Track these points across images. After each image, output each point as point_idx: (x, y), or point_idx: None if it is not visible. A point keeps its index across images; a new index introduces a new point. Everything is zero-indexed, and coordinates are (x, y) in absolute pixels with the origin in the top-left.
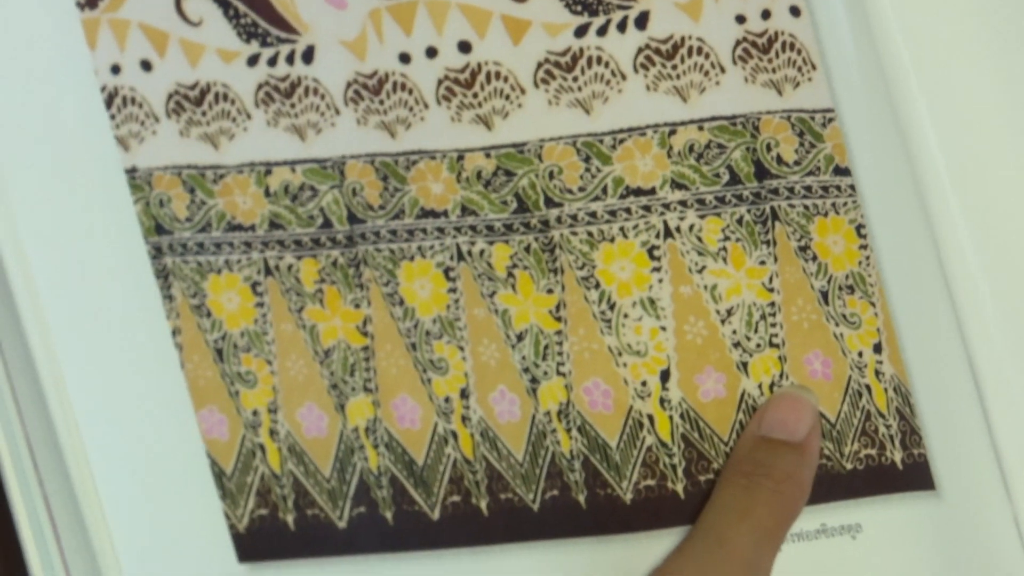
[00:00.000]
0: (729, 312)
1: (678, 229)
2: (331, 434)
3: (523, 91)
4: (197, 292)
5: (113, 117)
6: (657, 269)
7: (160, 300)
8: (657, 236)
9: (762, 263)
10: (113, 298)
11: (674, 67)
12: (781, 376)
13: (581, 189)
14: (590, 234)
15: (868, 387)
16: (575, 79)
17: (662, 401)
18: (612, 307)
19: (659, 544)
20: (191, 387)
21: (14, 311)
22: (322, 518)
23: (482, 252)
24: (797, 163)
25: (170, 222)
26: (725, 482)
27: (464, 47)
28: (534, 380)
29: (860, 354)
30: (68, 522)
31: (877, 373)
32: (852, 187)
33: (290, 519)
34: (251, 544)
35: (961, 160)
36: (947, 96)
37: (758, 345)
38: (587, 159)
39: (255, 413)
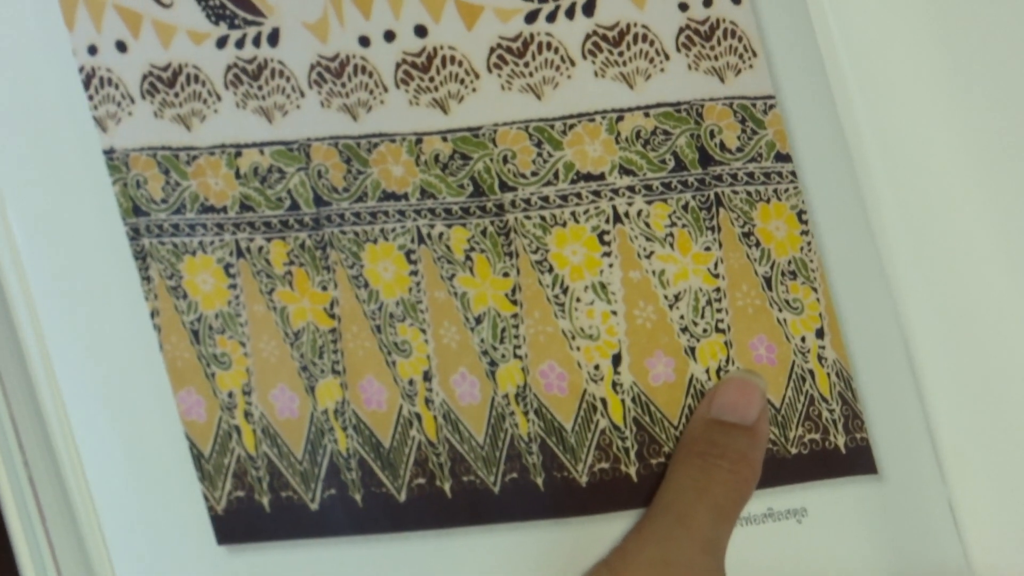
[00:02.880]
0: (677, 297)
1: (627, 214)
2: (302, 416)
3: (477, 75)
4: (174, 274)
5: (91, 98)
6: (607, 254)
7: (139, 281)
8: (607, 221)
9: (707, 249)
10: (94, 279)
11: (620, 53)
12: (728, 361)
13: (534, 174)
14: (543, 218)
15: (811, 372)
16: (526, 64)
17: (614, 385)
18: (565, 291)
19: (614, 526)
20: (169, 369)
21: (0, 292)
22: (295, 500)
23: (441, 235)
24: (740, 149)
25: (147, 203)
26: (680, 462)
27: (420, 31)
28: (493, 363)
29: (803, 339)
30: (54, 502)
31: (820, 358)
32: (793, 173)
33: (265, 501)
34: (229, 526)
35: (898, 147)
36: (885, 82)
37: (705, 330)
38: (539, 144)
39: (231, 395)
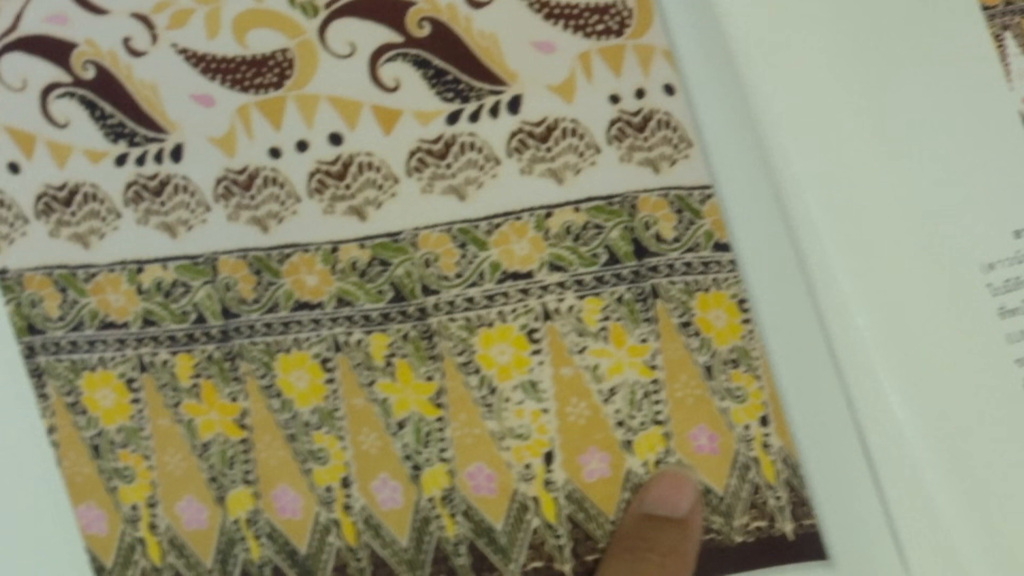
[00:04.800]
0: (612, 391)
1: (557, 311)
2: (211, 526)
3: (396, 180)
4: (72, 390)
5: None
6: (537, 352)
7: (34, 399)
8: (536, 319)
9: (644, 341)
10: None
11: (548, 149)
12: (666, 453)
13: (458, 275)
14: (468, 320)
15: (756, 460)
16: (448, 166)
17: (547, 483)
18: (493, 391)
19: None
20: (68, 483)
21: None
22: None
23: (359, 342)
24: (676, 240)
25: (42, 322)
26: (611, 558)
27: (335, 139)
28: (416, 467)
29: (747, 427)
30: None
31: (765, 445)
32: (732, 262)
33: None
34: None
35: (842, 229)
36: (826, 167)
37: (642, 423)
38: (463, 245)
39: (134, 508)
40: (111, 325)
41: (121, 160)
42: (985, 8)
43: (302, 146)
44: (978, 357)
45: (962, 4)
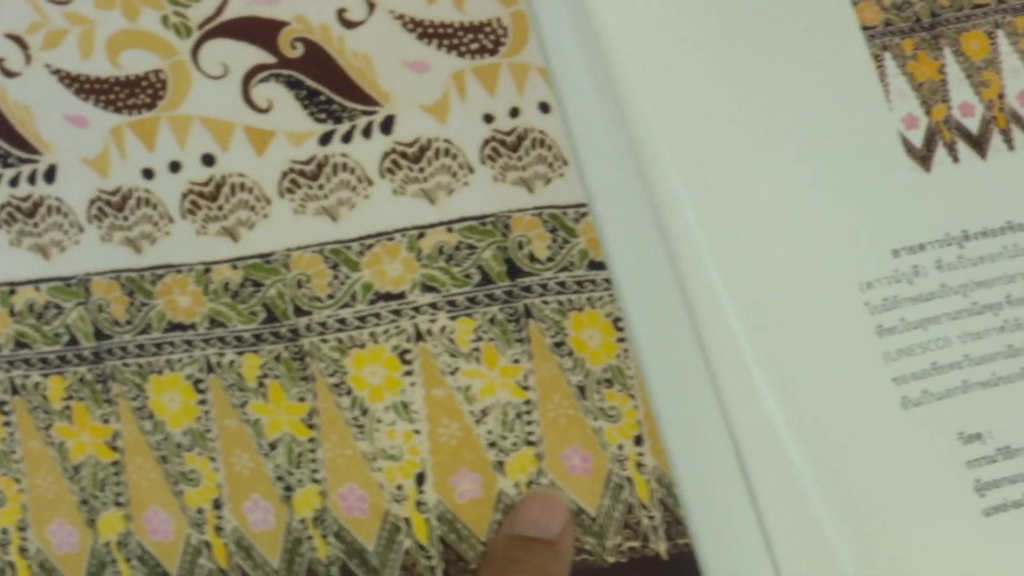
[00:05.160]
0: (484, 412)
1: (429, 332)
2: (82, 549)
3: (268, 201)
4: None
5: None
6: (409, 373)
7: None
8: (408, 340)
9: (516, 361)
10: None
11: (421, 170)
12: (539, 474)
13: (330, 296)
14: (340, 341)
15: (629, 479)
16: (321, 187)
17: (419, 504)
18: (365, 412)
19: None
20: None
21: None
22: None
23: (232, 363)
24: (550, 259)
25: None
26: None
27: (208, 160)
28: (288, 488)
29: (620, 447)
30: None
31: (639, 465)
32: (607, 281)
33: None
34: None
35: (720, 247)
36: (703, 185)
37: (514, 444)
38: (335, 266)
39: (4, 531)
40: None
41: None
42: (865, 29)
43: (175, 167)
44: (856, 375)
45: (842, 25)
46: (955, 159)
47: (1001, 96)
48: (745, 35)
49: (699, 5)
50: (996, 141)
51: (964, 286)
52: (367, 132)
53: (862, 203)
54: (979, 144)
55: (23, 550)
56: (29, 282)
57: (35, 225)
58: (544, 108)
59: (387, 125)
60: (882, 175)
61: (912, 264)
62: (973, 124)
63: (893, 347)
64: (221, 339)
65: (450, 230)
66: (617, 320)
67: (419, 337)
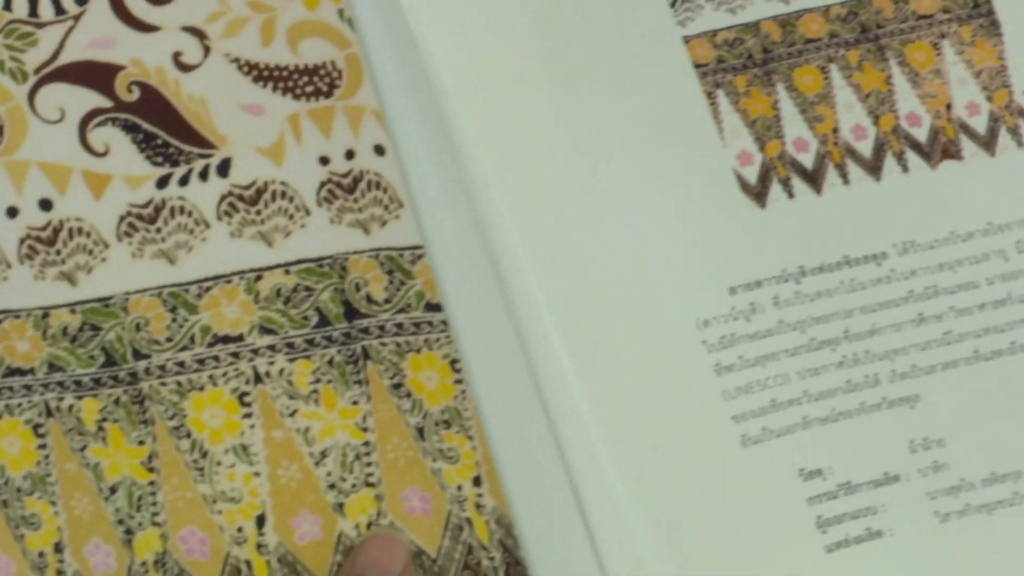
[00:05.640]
0: (323, 454)
1: (268, 374)
2: None
3: (106, 245)
4: None
5: None
6: (248, 415)
7: None
8: (247, 382)
9: (355, 403)
10: None
11: (258, 212)
12: (378, 515)
13: (169, 339)
14: (179, 384)
15: (469, 520)
16: (158, 230)
17: (259, 546)
18: (205, 455)
19: None
20: None
21: None
22: None
23: (71, 407)
24: (387, 301)
25: None
26: None
27: (45, 205)
28: (129, 531)
29: (459, 488)
30: None
31: (478, 506)
32: (444, 323)
33: None
34: None
35: (556, 287)
36: (538, 225)
37: (354, 485)
38: (173, 309)
39: (40, 555)
40: None
41: None
42: (698, 66)
43: (12, 212)
44: (696, 414)
45: (675, 62)
46: (790, 195)
47: (835, 130)
48: (578, 77)
49: (533, 49)
50: (831, 176)
51: (801, 322)
52: (204, 175)
53: (698, 242)
54: (814, 179)
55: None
56: None
57: None
58: (379, 150)
59: (224, 168)
60: (717, 213)
61: (749, 301)
62: (808, 159)
63: (732, 385)
64: (60, 383)
65: (287, 272)
66: (455, 362)
67: (258, 379)
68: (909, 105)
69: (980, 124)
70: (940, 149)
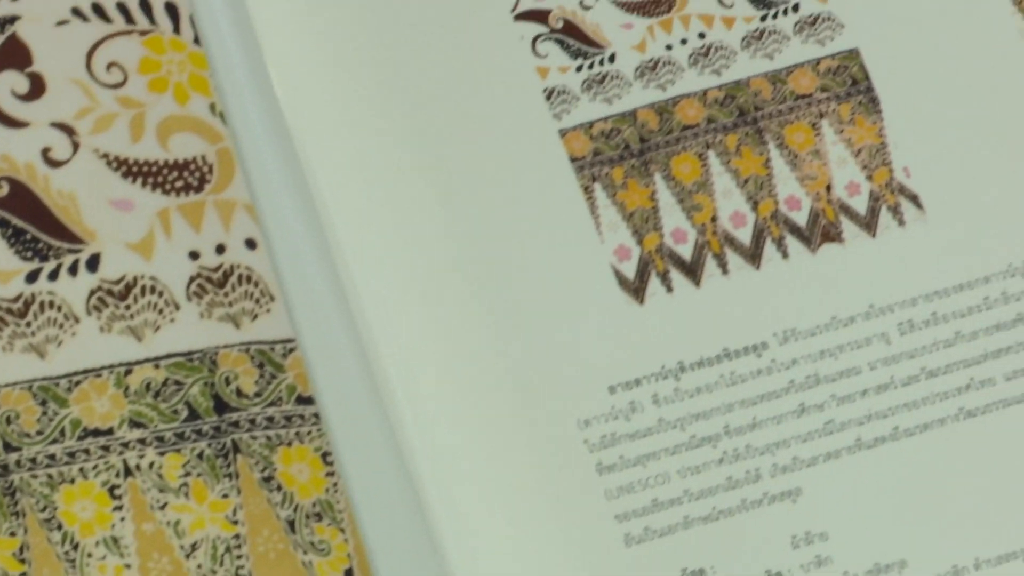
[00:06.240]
0: (194, 547)
1: (138, 467)
2: None
3: None
4: None
5: None
6: (119, 508)
7: None
8: (117, 475)
9: (225, 496)
10: None
11: (128, 307)
12: None
13: (39, 432)
14: (50, 476)
15: None
16: (28, 324)
17: None
18: (76, 547)
19: None
20: None
21: None
22: None
23: None
24: (258, 395)
25: None
26: None
27: None
28: None
29: None
30: None
31: None
32: (316, 416)
33: None
34: None
35: (433, 382)
36: (412, 322)
37: None
38: (44, 403)
39: None
40: None
41: None
42: (573, 160)
43: None
44: (579, 513)
45: (551, 157)
46: (669, 289)
47: (714, 219)
48: (456, 172)
49: (410, 143)
50: (710, 266)
51: (682, 419)
52: (73, 270)
53: (578, 340)
54: (693, 271)
55: None
56: None
57: None
58: (251, 244)
59: (93, 263)
60: (596, 311)
61: (629, 400)
62: (686, 251)
63: (614, 484)
64: None
65: (157, 366)
66: (326, 455)
67: (128, 473)
68: (788, 188)
69: (861, 204)
70: (820, 232)
